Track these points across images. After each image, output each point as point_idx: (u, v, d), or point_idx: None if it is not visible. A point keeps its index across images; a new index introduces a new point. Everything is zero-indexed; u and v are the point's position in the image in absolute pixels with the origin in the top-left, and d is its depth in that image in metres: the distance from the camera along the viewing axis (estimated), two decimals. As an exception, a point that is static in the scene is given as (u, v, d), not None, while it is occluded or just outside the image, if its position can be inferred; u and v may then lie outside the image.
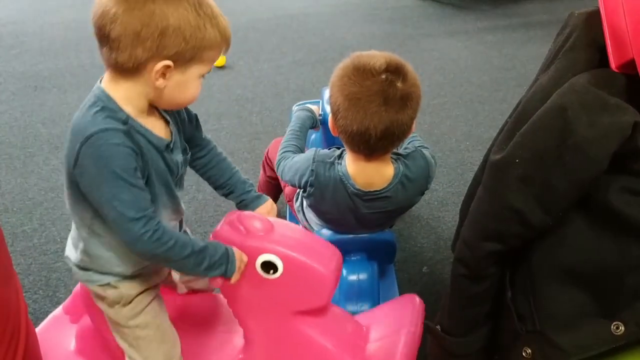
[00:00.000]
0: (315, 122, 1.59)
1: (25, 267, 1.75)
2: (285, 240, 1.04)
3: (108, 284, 1.02)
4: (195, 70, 0.89)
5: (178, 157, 1.00)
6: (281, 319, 1.09)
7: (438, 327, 1.05)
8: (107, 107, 0.87)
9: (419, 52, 3.62)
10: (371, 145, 1.15)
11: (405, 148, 1.32)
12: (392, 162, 1.26)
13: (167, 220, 1.02)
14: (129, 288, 1.03)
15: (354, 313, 1.27)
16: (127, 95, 0.88)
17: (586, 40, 0.82)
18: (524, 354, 0.87)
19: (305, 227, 1.53)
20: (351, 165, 1.24)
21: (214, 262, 0.95)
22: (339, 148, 1.33)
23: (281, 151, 1.42)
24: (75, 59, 3.31)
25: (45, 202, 2.06)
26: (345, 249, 1.35)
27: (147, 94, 0.89)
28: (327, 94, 1.65)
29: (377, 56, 1.13)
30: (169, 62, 0.85)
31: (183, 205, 1.08)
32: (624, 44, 0.76)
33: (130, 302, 1.04)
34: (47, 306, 1.61)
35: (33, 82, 3.05)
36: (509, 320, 0.90)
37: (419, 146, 1.32)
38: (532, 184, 0.79)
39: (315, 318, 1.10)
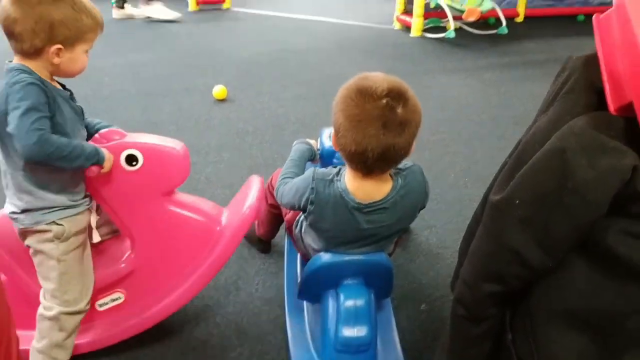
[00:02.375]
0: (314, 155, 1.61)
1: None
2: (139, 137, 1.36)
3: (53, 222, 1.28)
4: (80, 48, 1.24)
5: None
6: (151, 205, 1.39)
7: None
8: (24, 70, 1.19)
9: (419, 89, 3.61)
10: (369, 165, 1.19)
11: (405, 163, 1.35)
12: (391, 176, 1.29)
13: None
14: (70, 226, 1.30)
15: (351, 339, 1.31)
16: (35, 69, 1.21)
17: (584, 83, 0.83)
18: (524, 396, 0.85)
19: (304, 255, 1.52)
20: (350, 181, 1.26)
21: (89, 153, 1.24)
22: (335, 167, 1.36)
23: (280, 178, 1.46)
24: (77, 90, 3.35)
25: None
26: (343, 274, 1.38)
27: (47, 68, 1.23)
28: (326, 132, 1.67)
29: (380, 80, 1.15)
30: (59, 46, 1.19)
31: None
32: (622, 87, 0.77)
33: (69, 238, 1.31)
34: None
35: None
36: (509, 362, 0.89)
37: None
38: (532, 226, 0.78)
39: (178, 198, 1.44)
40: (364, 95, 1.13)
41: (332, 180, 1.28)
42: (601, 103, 0.81)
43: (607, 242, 0.73)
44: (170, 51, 4.31)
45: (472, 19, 4.59)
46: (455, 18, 4.68)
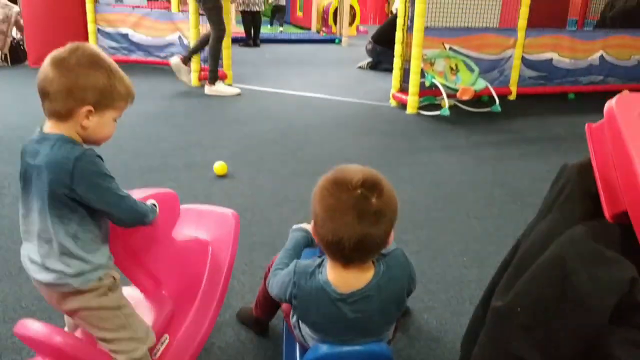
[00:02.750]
0: (311, 242, 1.61)
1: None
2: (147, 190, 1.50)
3: (100, 278, 1.32)
4: (109, 115, 1.28)
5: None
6: (167, 243, 1.57)
7: None
8: (69, 140, 1.23)
9: (415, 166, 3.73)
10: (346, 255, 1.20)
11: (388, 247, 1.34)
12: (373, 262, 1.29)
13: None
14: (113, 273, 1.36)
15: None
16: (67, 133, 1.24)
17: (580, 192, 0.86)
18: None
19: (302, 344, 1.50)
20: (331, 272, 1.27)
21: (152, 208, 1.41)
22: (320, 256, 1.36)
23: (272, 269, 1.47)
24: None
25: (38, 313, 2.02)
26: None
27: (78, 132, 1.25)
28: None
29: (356, 171, 1.19)
30: (90, 107, 1.23)
31: None
32: (617, 195, 0.80)
33: (117, 286, 1.37)
34: None
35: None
36: None
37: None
38: (534, 333, 0.79)
39: (177, 232, 1.62)
40: (339, 185, 1.16)
41: (313, 273, 1.29)
42: (597, 209, 0.84)
43: (610, 350, 0.74)
44: (172, 127, 4.40)
45: (466, 97, 4.74)
46: (449, 96, 4.83)
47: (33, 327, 1.34)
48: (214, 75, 5.51)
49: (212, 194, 3.12)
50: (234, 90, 5.64)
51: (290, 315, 1.53)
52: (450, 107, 4.80)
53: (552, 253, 0.78)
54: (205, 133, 4.27)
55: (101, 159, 1.30)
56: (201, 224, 1.85)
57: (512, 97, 5.76)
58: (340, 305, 1.26)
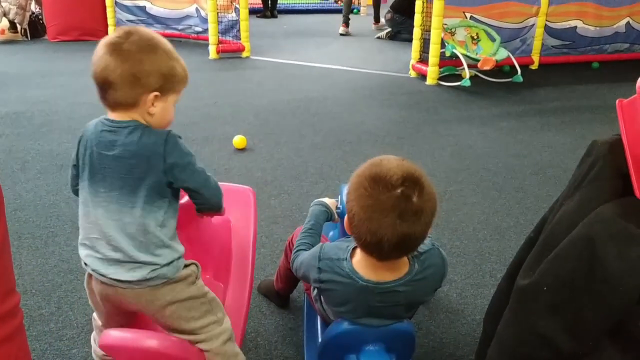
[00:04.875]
0: (331, 216, 1.61)
1: (40, 353, 1.74)
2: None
3: (186, 265, 1.30)
4: (171, 98, 1.24)
5: None
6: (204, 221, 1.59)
7: None
8: (145, 126, 1.21)
9: (435, 137, 3.69)
10: (384, 253, 1.16)
11: (423, 244, 1.32)
12: (408, 259, 1.26)
13: None
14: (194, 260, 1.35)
15: None
16: (141, 120, 1.22)
17: (610, 170, 0.84)
18: None
19: (323, 317, 1.51)
20: (361, 262, 1.25)
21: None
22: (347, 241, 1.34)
23: (295, 249, 1.47)
24: (100, 138, 3.42)
25: (65, 285, 2.07)
26: (364, 339, 1.35)
27: (145, 119, 1.22)
28: (345, 189, 1.68)
29: (394, 167, 1.13)
30: (157, 93, 1.19)
31: None
32: (648, 173, 0.78)
33: (199, 273, 1.35)
34: (60, 397, 1.58)
35: (59, 161, 3.14)
36: None
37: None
38: (561, 312, 0.79)
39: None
40: (378, 184, 1.11)
41: (339, 260, 1.27)
42: (627, 188, 0.82)
43: (638, 330, 0.73)
44: (190, 100, 4.40)
45: (487, 67, 4.65)
46: (470, 66, 4.75)
47: (120, 335, 1.29)
48: None
49: (231, 167, 3.13)
50: None
51: (312, 289, 1.55)
52: (471, 78, 4.72)
53: (581, 232, 0.77)
54: (224, 106, 4.27)
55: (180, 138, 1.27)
56: None
57: (535, 66, 5.64)
58: (366, 295, 1.25)
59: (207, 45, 5.86)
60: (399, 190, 1.09)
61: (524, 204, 2.77)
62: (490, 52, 4.81)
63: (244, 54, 5.92)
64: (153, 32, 1.24)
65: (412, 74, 5.28)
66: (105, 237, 1.23)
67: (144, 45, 1.18)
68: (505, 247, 2.38)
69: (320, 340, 1.54)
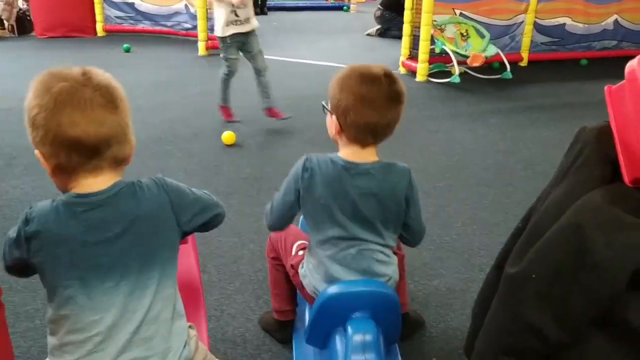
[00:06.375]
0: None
1: (25, 350, 1.72)
2: None
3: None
4: None
5: None
6: None
7: None
8: (133, 181, 1.03)
9: (424, 133, 3.69)
10: (377, 134, 1.38)
11: None
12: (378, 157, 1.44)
13: None
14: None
15: None
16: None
17: (598, 156, 0.84)
18: None
19: (310, 297, 1.50)
20: (343, 151, 1.42)
21: None
22: None
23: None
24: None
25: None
26: (350, 307, 1.39)
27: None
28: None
29: (372, 66, 1.37)
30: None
31: None
32: (637, 159, 0.77)
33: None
34: (45, 394, 1.56)
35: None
36: None
37: None
38: (549, 300, 0.78)
39: None
40: (367, 77, 1.33)
41: (323, 155, 1.43)
42: (615, 174, 0.82)
43: (626, 317, 0.73)
44: (180, 96, 4.38)
45: (476, 64, 4.66)
46: (459, 63, 4.75)
47: None
48: None
49: (221, 163, 3.11)
50: None
51: (300, 267, 1.54)
52: (461, 74, 4.73)
53: (568, 219, 0.76)
54: (213, 102, 4.23)
55: None
56: None
57: (524, 63, 5.67)
58: (343, 174, 1.38)
59: (197, 41, 5.83)
60: (384, 80, 1.33)
61: (513, 199, 2.78)
62: (480, 49, 4.82)
63: (234, 51, 5.88)
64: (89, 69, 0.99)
65: (402, 70, 5.28)
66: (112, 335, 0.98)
67: (105, 87, 0.96)
68: (495, 242, 2.38)
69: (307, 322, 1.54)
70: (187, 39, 6.24)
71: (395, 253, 1.52)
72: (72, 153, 0.92)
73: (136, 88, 4.52)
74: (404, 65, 5.26)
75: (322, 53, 6.24)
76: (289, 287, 1.70)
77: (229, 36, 3.49)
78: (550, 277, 0.78)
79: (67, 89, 0.91)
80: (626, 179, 0.79)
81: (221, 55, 3.71)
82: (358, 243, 1.43)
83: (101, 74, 0.97)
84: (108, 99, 0.94)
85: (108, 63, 5.27)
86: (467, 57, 4.69)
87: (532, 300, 0.80)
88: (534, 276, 0.79)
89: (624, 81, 0.82)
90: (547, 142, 3.61)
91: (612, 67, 0.93)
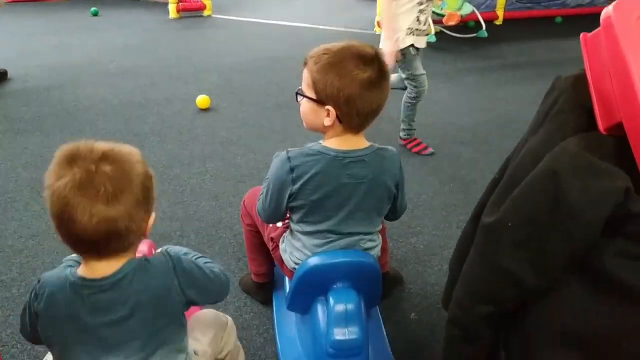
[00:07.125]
0: None
1: (3, 319, 1.70)
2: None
3: None
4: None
5: None
6: None
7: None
8: (139, 260, 1.03)
9: (400, 93, 3.67)
10: (375, 116, 1.32)
11: None
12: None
13: None
14: None
15: (343, 342, 1.33)
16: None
17: (574, 104, 0.84)
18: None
19: (295, 269, 1.49)
20: (330, 141, 1.34)
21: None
22: None
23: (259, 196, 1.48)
24: (58, 102, 3.29)
25: (26, 250, 2.01)
26: (331, 277, 1.39)
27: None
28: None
29: (360, 45, 1.29)
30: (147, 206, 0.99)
31: None
32: (611, 107, 0.77)
33: None
34: (25, 361, 1.55)
35: (16, 125, 3.02)
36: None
37: None
38: (526, 248, 0.79)
39: None
40: (366, 60, 1.26)
41: (307, 147, 1.35)
42: (591, 122, 0.82)
43: (602, 263, 0.74)
44: (151, 60, 4.27)
45: (452, 23, 4.61)
46: (435, 22, 4.70)
47: None
48: None
49: (195, 127, 3.07)
50: None
51: (280, 242, 1.53)
52: (436, 34, 4.69)
53: (544, 166, 0.76)
54: (187, 65, 4.15)
55: None
56: None
57: (499, 22, 5.63)
58: (337, 169, 1.32)
59: (167, 4, 5.66)
60: (376, 60, 1.27)
61: (489, 157, 2.80)
62: (455, 7, 4.77)
63: (205, 13, 5.75)
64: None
65: (378, 30, 5.21)
66: None
67: (115, 178, 0.92)
68: (472, 199, 2.38)
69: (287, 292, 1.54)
70: (157, 2, 6.06)
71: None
72: (77, 243, 0.96)
73: (106, 52, 4.39)
74: (379, 25, 5.19)
75: (296, 13, 6.12)
76: (265, 249, 1.70)
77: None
78: (527, 224, 0.79)
79: (72, 183, 0.89)
80: (601, 127, 0.79)
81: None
82: (349, 236, 1.40)
83: (119, 158, 0.94)
84: (113, 192, 0.90)
85: (76, 27, 5.10)
86: (442, 16, 4.64)
87: (508, 248, 0.81)
88: (510, 224, 0.79)
89: (599, 28, 0.82)
90: (523, 99, 3.62)
91: (587, 25, 0.93)
